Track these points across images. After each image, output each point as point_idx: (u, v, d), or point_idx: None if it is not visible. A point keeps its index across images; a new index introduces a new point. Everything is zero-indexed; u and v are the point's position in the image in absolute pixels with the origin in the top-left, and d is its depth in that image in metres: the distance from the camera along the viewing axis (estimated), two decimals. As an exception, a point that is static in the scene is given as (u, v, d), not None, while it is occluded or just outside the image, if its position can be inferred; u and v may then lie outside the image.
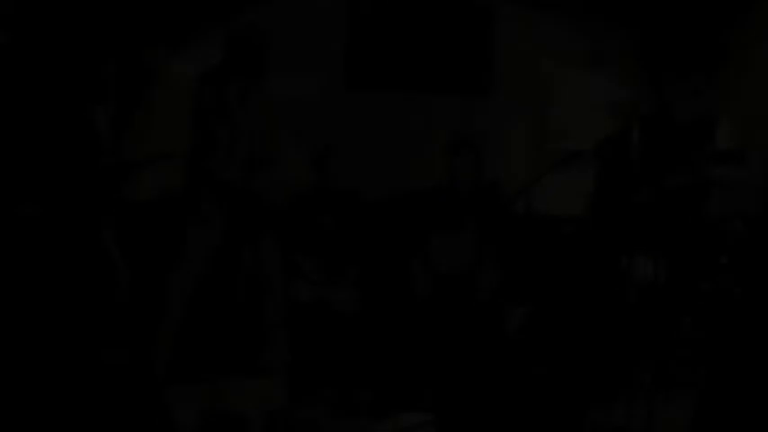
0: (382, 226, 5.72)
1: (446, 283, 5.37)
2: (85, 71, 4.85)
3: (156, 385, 4.34)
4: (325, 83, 6.34)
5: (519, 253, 5.49)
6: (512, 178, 5.72)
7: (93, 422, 4.01)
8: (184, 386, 4.42)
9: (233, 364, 4.64)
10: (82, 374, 4.21)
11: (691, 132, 5.14)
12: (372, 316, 5.34)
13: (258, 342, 4.76)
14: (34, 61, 4.82)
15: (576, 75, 6.46)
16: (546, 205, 5.52)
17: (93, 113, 4.70)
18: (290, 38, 6.00)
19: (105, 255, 4.58)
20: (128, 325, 4.61)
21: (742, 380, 4.38)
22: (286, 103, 5.12)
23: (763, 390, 4.25)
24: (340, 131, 5.98)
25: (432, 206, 5.53)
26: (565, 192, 5.80)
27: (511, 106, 6.46)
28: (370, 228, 5.65)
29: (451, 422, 4.41)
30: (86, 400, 4.07)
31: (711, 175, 5.03)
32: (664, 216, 5.03)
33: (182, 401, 4.27)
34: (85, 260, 4.52)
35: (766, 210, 5.07)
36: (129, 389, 4.23)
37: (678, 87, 5.26)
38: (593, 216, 5.34)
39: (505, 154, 6.32)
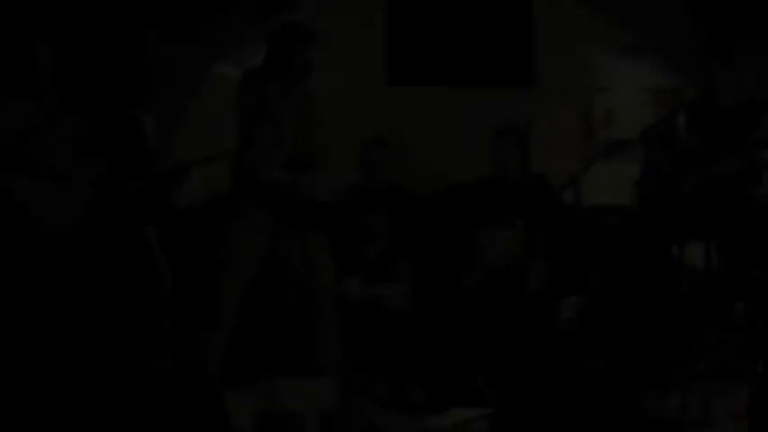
0: (430, 221, 5.71)
1: (496, 277, 5.35)
2: (128, 74, 4.87)
3: (209, 388, 4.36)
4: (366, 78, 6.32)
5: (568, 243, 5.46)
6: (558, 168, 5.68)
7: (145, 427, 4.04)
8: (239, 387, 4.44)
9: (286, 363, 4.66)
10: (126, 381, 4.22)
11: (738, 117, 5.09)
12: (424, 311, 5.34)
13: (310, 341, 4.77)
14: (77, 66, 4.85)
15: (619, 62, 6.41)
16: (594, 195, 5.48)
17: (141, 118, 4.72)
18: (330, 34, 5.99)
19: (149, 257, 4.60)
20: (173, 330, 4.62)
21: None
22: (328, 101, 5.12)
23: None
24: (382, 127, 5.96)
25: (479, 199, 5.52)
26: (613, 181, 5.76)
27: (555, 96, 6.42)
28: (417, 223, 5.64)
29: (505, 416, 4.41)
30: (133, 407, 4.09)
31: (760, 160, 4.99)
32: (713, 203, 4.99)
33: (236, 402, 4.29)
34: (130, 264, 4.54)
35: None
36: (177, 394, 4.24)
37: (723, 72, 5.21)
38: (641, 205, 5.31)
39: (551, 144, 6.26)
